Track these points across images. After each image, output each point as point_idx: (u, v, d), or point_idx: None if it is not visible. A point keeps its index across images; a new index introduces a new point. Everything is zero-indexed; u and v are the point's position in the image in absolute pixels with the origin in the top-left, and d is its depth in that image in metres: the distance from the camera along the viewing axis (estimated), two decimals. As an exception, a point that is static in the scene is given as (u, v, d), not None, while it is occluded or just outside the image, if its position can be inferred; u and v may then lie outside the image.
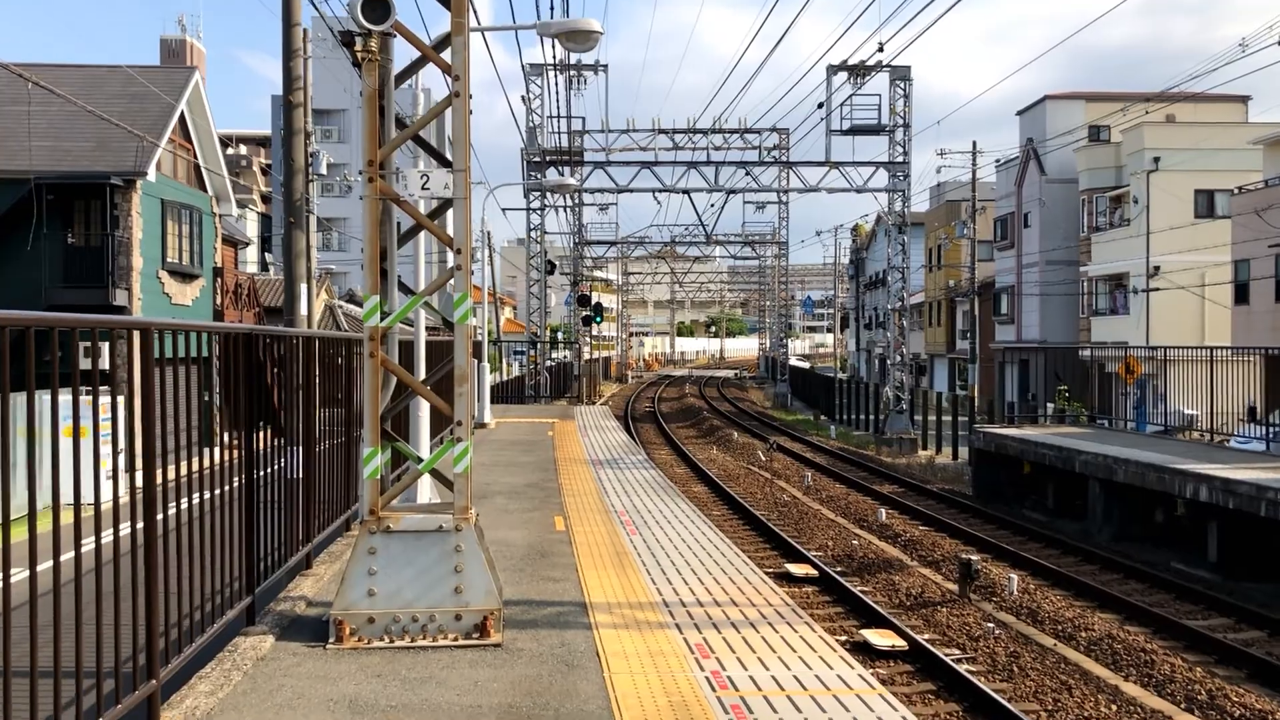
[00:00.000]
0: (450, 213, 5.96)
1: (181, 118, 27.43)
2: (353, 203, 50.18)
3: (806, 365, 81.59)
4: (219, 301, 29.96)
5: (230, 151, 51.05)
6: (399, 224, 6.34)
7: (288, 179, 11.93)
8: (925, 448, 34.49)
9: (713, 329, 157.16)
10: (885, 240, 73.40)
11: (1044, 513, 20.63)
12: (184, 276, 27.06)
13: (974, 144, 47.32)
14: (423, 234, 8.89)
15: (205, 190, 29.05)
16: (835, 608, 12.87)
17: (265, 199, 50.82)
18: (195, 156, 28.56)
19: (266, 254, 48.34)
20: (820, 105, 31.83)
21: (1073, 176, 42.46)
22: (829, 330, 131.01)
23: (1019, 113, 46.76)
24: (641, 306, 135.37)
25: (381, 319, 5.93)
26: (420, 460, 6.32)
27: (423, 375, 10.18)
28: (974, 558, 13.15)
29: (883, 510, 18.95)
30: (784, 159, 35.49)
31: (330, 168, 41.06)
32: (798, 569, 14.47)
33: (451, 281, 5.89)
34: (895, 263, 34.94)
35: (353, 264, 51.18)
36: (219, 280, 29.95)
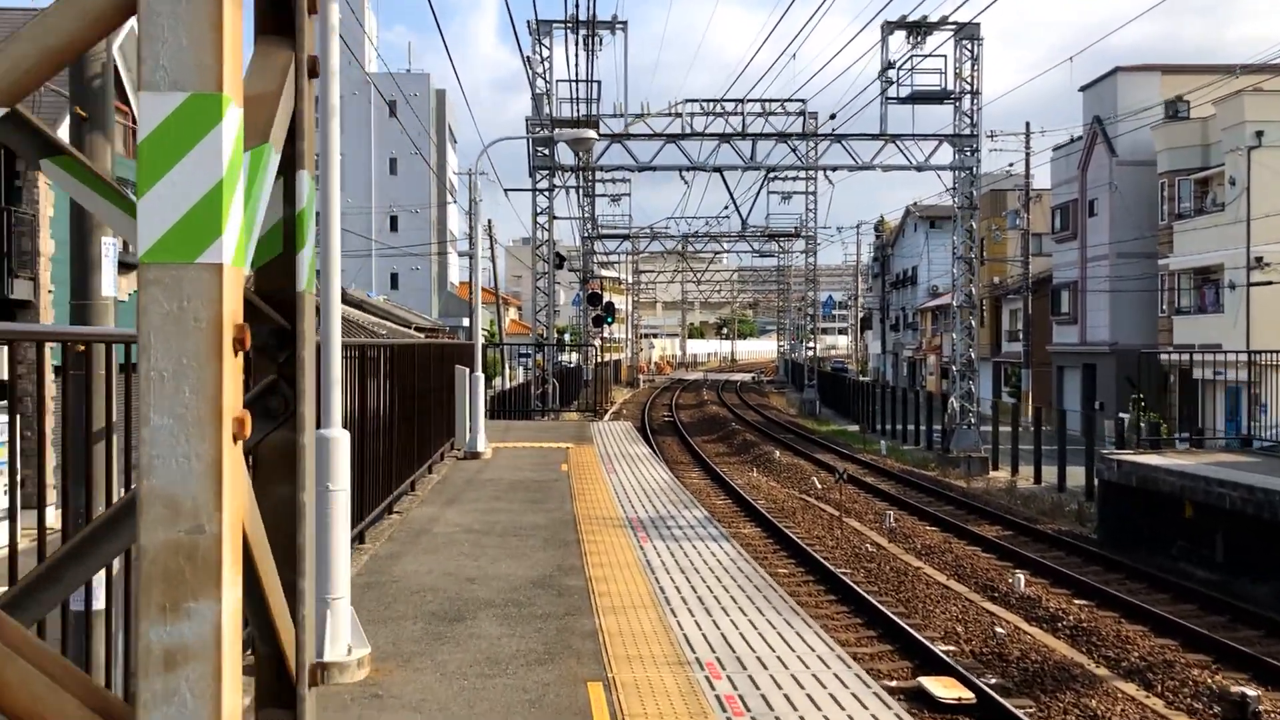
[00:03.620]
0: None
1: (114, 72, 22.60)
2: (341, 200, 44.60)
3: (851, 368, 76.42)
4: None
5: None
6: None
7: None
8: (997, 467, 29.59)
9: (724, 330, 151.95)
10: (916, 235, 68.65)
11: (1211, 569, 15.76)
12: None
13: (1027, 125, 42.50)
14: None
15: (149, 164, 24.21)
16: (1026, 772, 8.02)
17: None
18: (134, 121, 23.68)
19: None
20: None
21: (1147, 158, 37.37)
22: (841, 332, 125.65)
23: (1082, 88, 41.73)
24: (651, 308, 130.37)
25: None
26: None
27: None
28: (1250, 693, 8.25)
29: (1020, 575, 13.96)
30: (830, 134, 30.58)
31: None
32: (942, 688, 9.56)
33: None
34: (961, 252, 29.99)
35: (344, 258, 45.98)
36: (167, 271, 25.10)
